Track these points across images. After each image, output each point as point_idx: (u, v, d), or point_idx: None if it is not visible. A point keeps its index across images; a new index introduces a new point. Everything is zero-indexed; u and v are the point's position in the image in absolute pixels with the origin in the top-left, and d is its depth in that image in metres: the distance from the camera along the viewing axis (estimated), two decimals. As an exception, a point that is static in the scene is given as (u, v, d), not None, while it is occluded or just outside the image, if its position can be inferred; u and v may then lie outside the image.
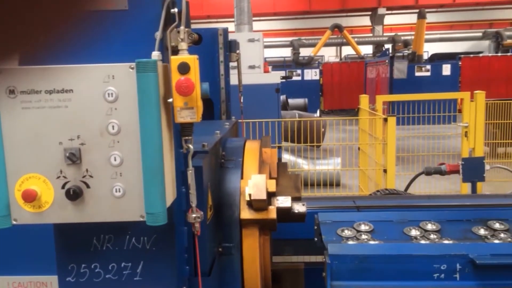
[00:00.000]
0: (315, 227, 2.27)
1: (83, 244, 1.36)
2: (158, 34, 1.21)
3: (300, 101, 12.11)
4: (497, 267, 1.78)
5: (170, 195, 1.25)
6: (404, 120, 8.38)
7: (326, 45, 18.07)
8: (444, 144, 8.27)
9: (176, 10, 1.22)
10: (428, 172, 4.53)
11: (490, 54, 17.18)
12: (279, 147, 5.71)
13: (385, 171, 4.96)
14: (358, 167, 6.35)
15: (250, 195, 1.63)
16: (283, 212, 1.81)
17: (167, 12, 1.22)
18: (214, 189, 1.72)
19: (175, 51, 1.24)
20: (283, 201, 1.78)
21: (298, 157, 7.40)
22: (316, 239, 2.22)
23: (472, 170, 4.21)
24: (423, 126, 8.42)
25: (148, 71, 1.11)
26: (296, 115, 8.29)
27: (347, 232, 2.12)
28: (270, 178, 2.08)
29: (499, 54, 16.00)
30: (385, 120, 4.96)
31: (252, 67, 5.39)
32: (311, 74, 16.97)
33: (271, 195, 1.76)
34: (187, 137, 1.28)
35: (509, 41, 16.58)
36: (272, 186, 1.74)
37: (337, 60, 25.03)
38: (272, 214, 1.69)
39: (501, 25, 22.88)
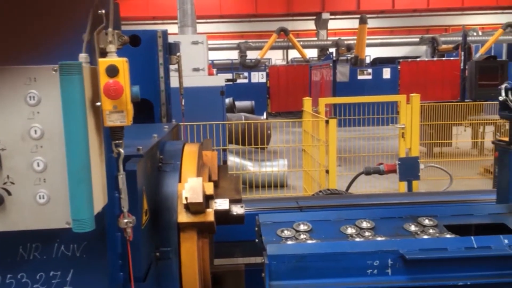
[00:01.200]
0: (256, 229, 2.30)
1: (8, 254, 1.30)
2: (85, 36, 1.18)
3: (247, 103, 12.18)
4: (425, 261, 1.87)
5: (100, 201, 1.22)
6: (347, 122, 8.65)
7: (273, 48, 18.28)
8: (384, 144, 8.61)
9: (103, 11, 1.20)
10: (367, 172, 4.71)
11: (426, 59, 18.10)
12: (224, 150, 5.72)
13: (327, 171, 5.10)
14: (302, 168, 6.48)
15: (186, 198, 1.62)
16: (222, 215, 1.82)
17: (95, 13, 1.20)
18: (151, 193, 1.69)
19: (104, 54, 1.21)
20: (221, 204, 1.79)
21: (245, 159, 7.44)
22: (257, 240, 2.25)
23: (408, 169, 4.42)
24: (365, 127, 8.73)
25: (72, 73, 1.08)
26: (243, 117, 8.33)
27: (286, 233, 2.16)
28: (211, 180, 2.08)
29: (435, 58, 16.87)
30: (327, 122, 5.10)
31: (196, 69, 5.36)
32: (258, 77, 17.12)
33: (209, 198, 1.76)
34: (117, 141, 1.25)
35: (444, 46, 17.51)
36: (210, 188, 1.74)
37: (284, 63, 25.42)
38: (210, 217, 1.70)
39: (437, 31, 24.16)
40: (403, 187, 6.18)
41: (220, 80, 5.84)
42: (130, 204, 1.33)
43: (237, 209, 1.87)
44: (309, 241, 2.07)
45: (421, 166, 4.50)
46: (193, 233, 1.71)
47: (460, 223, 2.26)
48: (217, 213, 1.78)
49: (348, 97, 7.41)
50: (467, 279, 1.86)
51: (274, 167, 6.97)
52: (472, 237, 1.96)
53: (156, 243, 1.70)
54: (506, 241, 1.93)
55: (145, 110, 2.64)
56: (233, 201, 2.01)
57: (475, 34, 18.30)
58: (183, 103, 2.82)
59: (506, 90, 2.39)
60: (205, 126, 4.81)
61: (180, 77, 2.77)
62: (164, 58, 2.63)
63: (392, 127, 6.48)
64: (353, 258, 1.89)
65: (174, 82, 2.76)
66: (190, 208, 1.65)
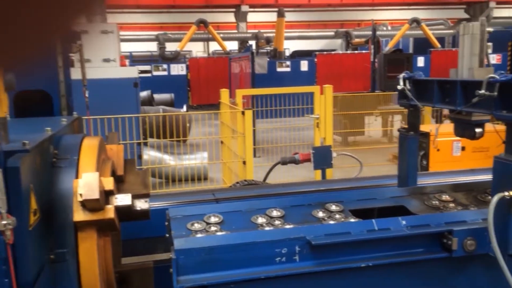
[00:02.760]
0: (166, 223, 2.23)
1: None
2: None
3: (166, 96, 11.90)
4: (330, 246, 1.93)
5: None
6: (267, 113, 8.75)
7: (193, 40, 18.01)
8: (302, 135, 8.85)
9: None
10: (284, 162, 4.79)
11: (341, 52, 18.86)
12: (139, 144, 5.53)
13: (244, 162, 5.12)
14: (221, 160, 6.46)
15: (81, 195, 1.52)
16: (124, 211, 1.73)
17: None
18: (43, 192, 1.57)
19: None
20: (122, 199, 1.70)
21: (163, 153, 7.27)
22: (167, 235, 2.19)
23: (321, 158, 4.54)
24: (284, 119, 8.90)
25: None
26: (161, 110, 8.12)
27: (197, 226, 2.12)
28: (115, 175, 1.98)
29: (349, 51, 17.63)
30: (243, 113, 5.11)
31: (106, 60, 5.09)
32: (178, 69, 16.79)
33: (108, 194, 1.67)
34: (-8, 135, 1.13)
35: (356, 40, 18.35)
36: (109, 184, 1.65)
37: (205, 55, 25.18)
38: (109, 213, 1.61)
39: (350, 25, 25.26)
40: (319, 175, 6.40)
41: (133, 71, 5.61)
42: (13, 204, 1.21)
43: (141, 204, 1.80)
44: (219, 233, 2.04)
45: (334, 154, 4.65)
46: (92, 232, 1.61)
47: (364, 207, 2.36)
48: (119, 209, 1.69)
49: (264, 89, 7.49)
50: (369, 260, 1.95)
51: (194, 160, 6.89)
52: (374, 220, 2.05)
53: (51, 244, 1.58)
54: (404, 222, 2.05)
55: (43, 102, 2.45)
56: (139, 196, 1.93)
57: (384, 28, 19.37)
58: (86, 95, 2.66)
59: (404, 79, 2.52)
60: (117, 120, 4.60)
61: (82, 67, 2.61)
62: (63, 46, 2.45)
63: (308, 118, 6.66)
64: (262, 247, 1.90)
65: (90, 74, 2.59)
66: (86, 205, 1.55)
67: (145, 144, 6.56)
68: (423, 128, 5.21)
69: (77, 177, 1.68)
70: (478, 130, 2.19)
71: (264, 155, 9.30)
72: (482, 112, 2.05)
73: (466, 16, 17.16)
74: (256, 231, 2.02)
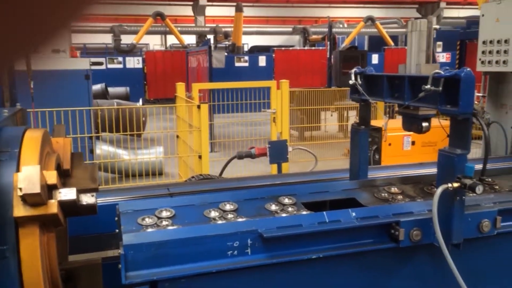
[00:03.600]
0: (116, 218, 2.17)
1: None
2: None
3: (121, 89, 11.62)
4: (282, 238, 1.94)
5: None
6: (225, 108, 8.72)
7: (151, 33, 17.66)
8: (261, 129, 8.88)
9: None
10: (240, 156, 4.79)
11: (299, 48, 19.06)
12: (91, 138, 5.36)
13: (200, 157, 5.08)
14: (177, 154, 6.38)
15: (21, 189, 1.45)
16: (69, 205, 1.66)
17: None
18: (-21, 186, 1.48)
19: None
20: (67, 193, 1.63)
21: (118, 147, 7.10)
22: (117, 230, 2.13)
23: (277, 152, 4.58)
24: (242, 113, 8.90)
25: None
26: (115, 104, 7.92)
27: (148, 220, 2.07)
28: (61, 169, 1.90)
29: (306, 48, 17.84)
30: (198, 107, 5.06)
31: (56, 51, 4.88)
32: (134, 62, 16.44)
33: (52, 188, 1.60)
34: None
35: (314, 36, 18.58)
36: (52, 177, 1.58)
37: (163, 48, 24.76)
38: (52, 208, 1.54)
39: (308, 22, 25.54)
40: (276, 169, 6.45)
41: (84, 63, 5.42)
42: None
43: (87, 199, 1.73)
44: (170, 228, 2.01)
45: (290, 148, 4.70)
46: (34, 227, 1.54)
47: (317, 200, 2.39)
48: (63, 204, 1.62)
49: (221, 83, 7.45)
50: (320, 252, 1.98)
51: (150, 154, 6.76)
52: (325, 213, 2.08)
53: (-11, 242, 1.50)
54: (353, 214, 2.09)
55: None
56: (86, 191, 1.87)
57: (341, 26, 19.71)
58: (32, 86, 2.54)
59: (356, 74, 2.57)
60: (67, 113, 4.43)
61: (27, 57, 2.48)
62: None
63: (265, 112, 6.69)
64: (213, 241, 1.89)
65: (37, 64, 2.47)
66: (27, 200, 1.48)
67: (98, 138, 6.37)
68: (376, 123, 5.35)
69: (18, 170, 1.60)
70: (424, 124, 2.26)
71: (221, 150, 9.27)
72: (428, 107, 2.12)
73: (418, 15, 17.75)
74: (208, 224, 2.00)
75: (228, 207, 2.21)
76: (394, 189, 2.46)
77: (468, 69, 1.90)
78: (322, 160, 7.58)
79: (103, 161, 5.92)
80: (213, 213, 2.15)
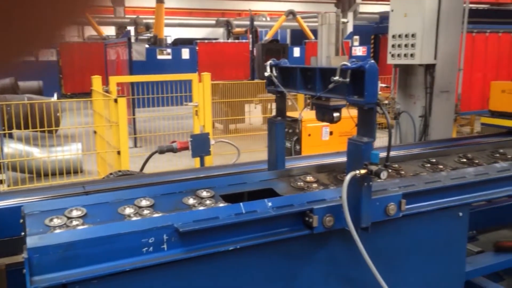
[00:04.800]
0: (22, 221, 2.03)
1: None
2: None
3: (33, 84, 10.90)
4: (199, 232, 1.93)
5: None
6: (148, 102, 8.50)
7: (65, 23, 16.68)
8: (185, 123, 8.77)
9: None
10: (161, 151, 4.68)
11: (222, 41, 19.03)
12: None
13: (119, 153, 4.90)
14: (95, 150, 6.12)
15: None
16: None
17: None
18: None
19: None
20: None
21: (30, 145, 6.65)
22: (23, 233, 1.99)
23: (200, 145, 4.54)
24: (166, 107, 8.72)
25: None
26: (25, 99, 7.40)
27: (56, 221, 1.96)
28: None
29: (230, 40, 17.86)
30: (115, 101, 4.88)
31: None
32: (47, 54, 15.47)
33: None
34: None
35: (237, 29, 18.65)
36: None
37: (80, 40, 23.53)
38: None
39: (231, 15, 25.57)
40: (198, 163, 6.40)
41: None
42: None
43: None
44: (82, 227, 1.92)
45: (212, 142, 4.68)
46: None
47: (235, 191, 2.40)
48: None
49: (139, 76, 7.23)
50: (237, 243, 1.99)
51: (64, 152, 6.41)
52: (241, 204, 2.09)
53: None
54: (270, 204, 2.12)
55: None
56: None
57: (264, 19, 19.95)
58: None
59: (271, 66, 2.60)
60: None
61: None
62: None
63: (186, 106, 6.60)
64: (127, 239, 1.83)
65: None
66: None
67: (6, 136, 5.93)
68: (296, 114, 5.49)
69: None
70: (335, 114, 2.35)
71: (145, 145, 9.04)
72: (338, 98, 2.20)
73: (337, 10, 18.42)
74: (121, 222, 1.93)
75: (144, 203, 2.15)
76: (309, 178, 2.54)
77: (372, 61, 2.00)
78: (246, 152, 7.66)
79: (11, 160, 5.52)
80: (128, 210, 2.08)
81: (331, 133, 5.53)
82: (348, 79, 2.03)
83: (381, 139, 6.27)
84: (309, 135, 5.37)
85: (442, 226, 2.44)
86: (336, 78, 2.05)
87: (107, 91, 5.68)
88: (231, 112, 9.79)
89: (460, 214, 2.46)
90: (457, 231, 2.49)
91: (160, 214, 2.03)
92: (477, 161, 2.81)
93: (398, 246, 2.38)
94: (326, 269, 2.23)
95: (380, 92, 2.05)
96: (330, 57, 2.29)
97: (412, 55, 5.24)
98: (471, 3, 7.51)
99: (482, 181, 2.53)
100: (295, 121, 5.37)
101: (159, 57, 14.80)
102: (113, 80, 5.75)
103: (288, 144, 5.55)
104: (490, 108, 4.16)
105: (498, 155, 2.94)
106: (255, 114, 10.77)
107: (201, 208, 2.13)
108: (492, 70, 7.81)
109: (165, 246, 1.89)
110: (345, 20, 15.78)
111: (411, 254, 2.44)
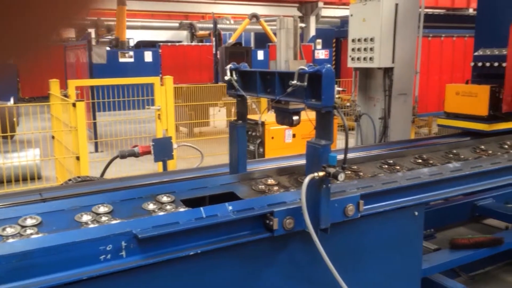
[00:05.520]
0: (-29, 232, 1.95)
1: None
2: None
3: (-12, 87, 10.46)
4: (158, 237, 1.91)
5: None
6: (109, 106, 8.34)
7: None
8: (148, 127, 8.65)
9: None
10: (122, 156, 4.60)
11: (186, 44, 18.89)
12: None
13: (78, 158, 4.79)
14: (54, 156, 5.94)
15: None
16: None
17: None
18: None
19: None
20: None
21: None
22: (-27, 245, 1.91)
23: (162, 149, 4.49)
24: (128, 111, 8.57)
25: None
26: (-21, 103, 7.11)
27: (9, 230, 1.90)
28: None
29: (193, 43, 17.74)
30: (74, 105, 4.76)
31: None
32: (3, 57, 14.90)
33: None
34: None
35: (201, 32, 18.54)
36: None
37: (38, 42, 22.80)
38: None
39: (195, 17, 25.43)
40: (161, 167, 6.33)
41: None
42: None
43: None
44: (36, 236, 1.86)
45: (174, 145, 4.63)
46: None
47: (196, 196, 2.39)
48: None
49: (98, 79, 7.09)
50: (197, 247, 1.98)
51: (23, 158, 6.20)
52: (202, 208, 2.08)
53: None
54: (230, 207, 2.13)
55: None
56: None
57: (228, 22, 19.94)
58: None
59: (231, 70, 2.61)
60: None
61: None
62: None
63: (149, 109, 6.52)
64: (83, 247, 1.79)
65: None
66: None
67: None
68: (261, 117, 5.51)
69: None
70: (295, 117, 2.38)
71: (107, 149, 8.86)
72: (296, 101, 2.23)
73: (299, 14, 18.65)
74: (77, 229, 1.89)
75: (101, 209, 2.12)
76: (270, 181, 2.56)
77: (329, 65, 2.04)
78: (211, 155, 7.64)
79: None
80: (85, 217, 2.04)
81: (294, 135, 5.58)
82: (305, 83, 2.06)
83: (343, 141, 6.38)
84: (272, 138, 5.41)
85: (399, 225, 2.52)
86: (294, 82, 2.08)
87: (65, 95, 5.53)
88: (195, 116, 9.73)
89: (416, 213, 2.54)
90: (413, 230, 2.57)
91: (118, 221, 2.00)
92: (431, 162, 2.90)
93: (357, 246, 2.43)
94: (287, 271, 2.26)
95: (337, 96, 2.09)
96: (289, 61, 2.32)
97: (371, 58, 5.37)
98: (428, 8, 7.79)
99: (436, 181, 2.62)
100: (259, 124, 5.40)
101: (121, 60, 14.54)
102: (72, 83, 5.60)
103: (251, 147, 5.57)
104: (445, 109, 4.31)
105: (451, 155, 3.06)
106: (219, 117, 10.74)
107: (161, 213, 2.11)
108: (447, 73, 8.11)
109: (123, 253, 1.86)
110: (303, 24, 15.99)
111: (370, 253, 2.50)
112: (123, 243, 1.85)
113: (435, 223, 4.66)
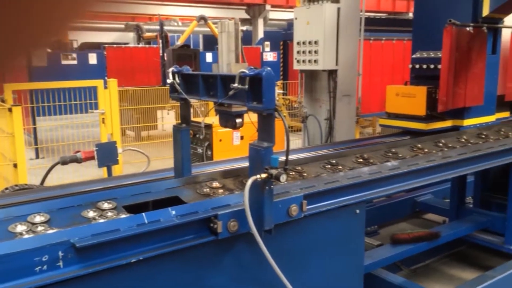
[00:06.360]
0: None
1: None
2: None
3: None
4: (98, 246, 1.85)
5: None
6: (51, 110, 8.01)
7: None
8: (93, 131, 8.38)
9: None
10: (64, 162, 4.43)
11: (132, 45, 18.48)
12: None
13: (15, 165, 4.56)
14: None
15: None
16: None
17: None
18: None
19: None
20: None
21: None
22: None
23: (106, 154, 4.37)
24: (72, 115, 8.27)
25: None
26: None
27: None
28: None
29: (140, 45, 17.38)
30: (10, 110, 4.53)
31: None
32: None
33: None
34: None
35: (148, 34, 18.20)
36: None
37: (-28, 43, 21.55)
38: None
39: (142, 19, 24.92)
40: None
41: None
42: None
43: None
44: (-36, 250, 1.75)
45: (119, 150, 4.53)
46: None
47: (139, 201, 2.34)
48: None
49: (36, 83, 6.79)
50: (139, 254, 1.94)
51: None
52: (144, 214, 2.04)
53: None
54: (173, 212, 2.10)
55: None
56: None
57: (175, 24, 19.72)
58: None
59: (173, 73, 2.58)
60: None
61: None
62: None
63: (92, 113, 6.32)
64: (17, 259, 1.70)
65: None
66: None
67: None
68: (207, 120, 5.49)
69: None
70: (238, 120, 2.39)
71: (48, 156, 8.50)
72: (238, 104, 2.24)
73: (247, 16, 18.74)
74: (10, 241, 1.80)
75: (38, 219, 2.03)
76: (215, 184, 2.55)
77: (269, 68, 2.06)
78: (159, 159, 7.51)
79: None
80: (20, 227, 1.94)
81: (242, 137, 5.60)
82: (246, 86, 2.07)
83: (292, 142, 6.47)
84: (220, 140, 5.40)
85: (341, 223, 2.58)
86: (236, 85, 2.09)
87: (2, 100, 5.26)
88: (142, 119, 9.54)
89: (357, 211, 2.61)
90: (355, 227, 2.65)
91: (55, 230, 1.92)
92: (372, 161, 3.00)
93: (301, 246, 2.47)
94: (233, 273, 2.26)
95: (276, 98, 2.12)
96: (230, 64, 2.33)
97: (315, 61, 5.49)
98: (371, 12, 8.06)
99: (375, 179, 2.72)
100: (206, 126, 5.37)
101: (64, 62, 14.01)
102: (8, 87, 5.33)
103: (199, 150, 5.53)
104: (386, 110, 4.47)
105: (390, 154, 3.18)
106: (168, 120, 10.59)
107: (101, 220, 2.05)
108: (388, 75, 8.43)
109: (60, 263, 1.79)
110: (243, 28, 16.10)
111: (314, 252, 2.55)
112: (60, 253, 1.79)
113: (379, 220, 4.83)
